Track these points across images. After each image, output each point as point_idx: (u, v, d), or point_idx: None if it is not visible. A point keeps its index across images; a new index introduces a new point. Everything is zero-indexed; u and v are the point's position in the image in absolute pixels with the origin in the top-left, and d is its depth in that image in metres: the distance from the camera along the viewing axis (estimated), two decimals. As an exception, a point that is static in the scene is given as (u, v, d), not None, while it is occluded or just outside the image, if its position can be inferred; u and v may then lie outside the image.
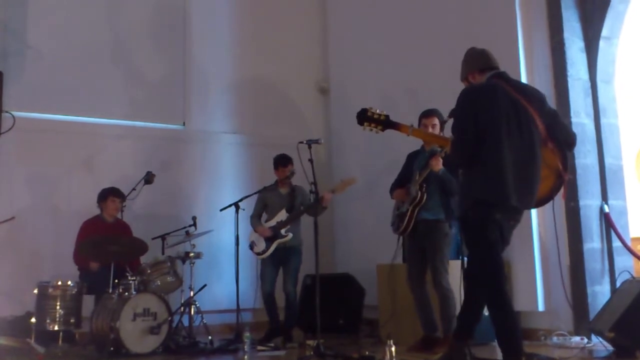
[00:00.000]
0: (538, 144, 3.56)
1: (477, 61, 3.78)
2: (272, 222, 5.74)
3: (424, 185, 4.75)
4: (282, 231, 5.66)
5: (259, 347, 5.10)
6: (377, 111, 3.84)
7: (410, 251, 4.94)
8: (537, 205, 3.75)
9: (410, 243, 4.94)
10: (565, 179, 3.61)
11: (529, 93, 3.69)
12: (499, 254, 3.54)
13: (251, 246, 5.79)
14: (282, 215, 5.72)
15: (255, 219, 5.87)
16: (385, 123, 3.80)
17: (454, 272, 4.69)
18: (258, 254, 5.74)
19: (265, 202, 5.89)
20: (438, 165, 4.61)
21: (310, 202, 5.54)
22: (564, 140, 3.68)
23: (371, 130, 3.86)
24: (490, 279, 3.51)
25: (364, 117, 3.81)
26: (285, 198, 5.80)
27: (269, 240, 5.69)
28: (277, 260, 5.71)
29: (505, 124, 3.49)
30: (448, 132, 4.29)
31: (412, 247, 4.92)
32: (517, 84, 3.77)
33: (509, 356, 3.42)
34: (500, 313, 3.46)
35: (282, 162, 5.78)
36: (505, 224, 3.55)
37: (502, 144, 3.46)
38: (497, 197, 3.46)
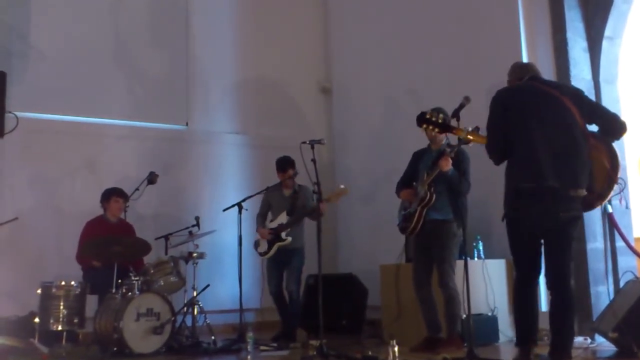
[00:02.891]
0: (577, 128, 3.60)
1: (518, 72, 3.94)
2: (274, 224, 5.74)
3: (433, 186, 4.71)
4: (282, 234, 5.66)
5: (262, 347, 5.10)
6: (435, 114, 4.05)
7: (417, 251, 4.90)
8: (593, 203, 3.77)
9: (417, 243, 4.90)
10: (614, 180, 3.63)
11: (562, 87, 3.86)
12: (522, 254, 3.69)
13: (255, 245, 5.81)
14: (283, 217, 5.72)
15: (260, 218, 5.88)
16: (443, 125, 3.98)
17: (458, 272, 4.66)
18: (261, 254, 5.78)
19: (269, 202, 5.90)
20: (448, 165, 4.55)
21: (311, 205, 5.55)
22: (605, 126, 3.72)
23: (426, 130, 4.17)
24: (515, 277, 3.75)
25: (423, 119, 4.00)
26: (288, 200, 5.79)
27: (270, 243, 5.70)
28: (279, 261, 5.72)
29: (535, 116, 3.62)
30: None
31: (419, 247, 4.88)
32: (552, 82, 3.94)
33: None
34: (516, 310, 3.75)
35: (281, 167, 5.75)
36: (552, 216, 3.54)
37: (533, 133, 3.58)
38: (533, 179, 3.54)
